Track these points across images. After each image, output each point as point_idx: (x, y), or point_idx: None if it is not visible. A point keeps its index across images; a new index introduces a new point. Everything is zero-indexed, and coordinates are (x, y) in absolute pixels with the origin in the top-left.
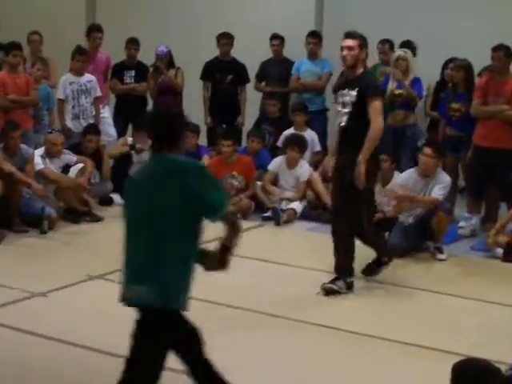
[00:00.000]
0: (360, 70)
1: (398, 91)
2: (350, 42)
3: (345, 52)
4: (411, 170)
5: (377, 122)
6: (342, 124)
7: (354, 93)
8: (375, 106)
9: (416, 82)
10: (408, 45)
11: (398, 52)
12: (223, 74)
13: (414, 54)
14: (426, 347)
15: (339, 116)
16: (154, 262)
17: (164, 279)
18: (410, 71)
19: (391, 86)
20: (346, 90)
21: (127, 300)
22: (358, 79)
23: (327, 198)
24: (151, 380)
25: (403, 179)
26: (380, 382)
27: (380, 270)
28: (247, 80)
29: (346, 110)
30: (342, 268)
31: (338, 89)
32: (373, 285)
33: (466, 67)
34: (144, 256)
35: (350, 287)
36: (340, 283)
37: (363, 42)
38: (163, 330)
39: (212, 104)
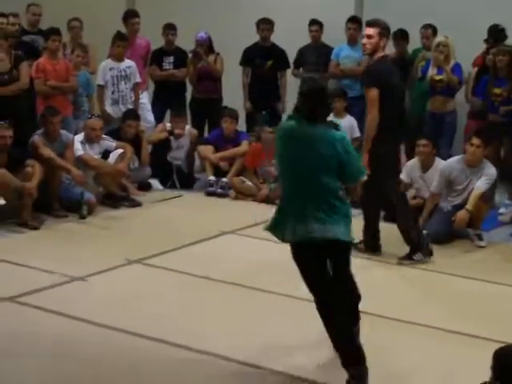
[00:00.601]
0: (377, 58)
1: (438, 77)
2: (369, 31)
3: (364, 40)
4: (455, 159)
5: (370, 114)
6: None
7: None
8: (369, 96)
9: (456, 67)
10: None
11: (440, 38)
12: (263, 60)
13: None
14: (466, 334)
15: None
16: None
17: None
18: (451, 57)
19: (431, 71)
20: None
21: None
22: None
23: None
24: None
25: (446, 169)
26: (421, 368)
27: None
28: (287, 65)
29: None
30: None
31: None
32: (414, 271)
33: (511, 52)
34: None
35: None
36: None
37: (383, 31)
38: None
39: (251, 90)
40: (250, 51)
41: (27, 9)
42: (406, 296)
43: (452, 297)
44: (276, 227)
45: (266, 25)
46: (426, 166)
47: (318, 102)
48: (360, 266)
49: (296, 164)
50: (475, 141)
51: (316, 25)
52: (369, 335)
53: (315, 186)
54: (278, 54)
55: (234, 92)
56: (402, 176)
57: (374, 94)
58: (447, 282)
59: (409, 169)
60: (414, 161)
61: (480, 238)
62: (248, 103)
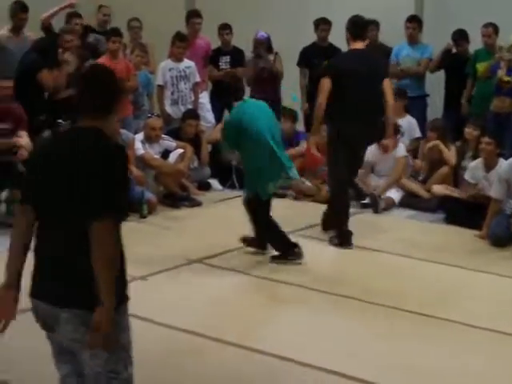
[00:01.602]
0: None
1: (506, 78)
2: None
3: None
4: None
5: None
6: None
7: None
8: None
9: None
10: None
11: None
12: (320, 60)
13: None
14: None
15: None
16: None
17: None
18: None
19: (501, 72)
20: None
21: None
22: None
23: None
24: None
25: (505, 171)
26: (471, 369)
27: None
28: None
29: None
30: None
31: None
32: (475, 274)
33: None
34: None
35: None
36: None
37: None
38: None
39: (309, 90)
40: (307, 51)
41: (98, 9)
42: (464, 298)
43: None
44: None
45: (324, 25)
46: (489, 166)
47: None
48: None
49: None
50: None
51: (372, 25)
52: (421, 336)
53: None
54: (335, 54)
55: (291, 91)
56: (466, 176)
57: (322, 81)
58: (508, 285)
59: (472, 169)
60: (478, 161)
61: None
62: (306, 104)
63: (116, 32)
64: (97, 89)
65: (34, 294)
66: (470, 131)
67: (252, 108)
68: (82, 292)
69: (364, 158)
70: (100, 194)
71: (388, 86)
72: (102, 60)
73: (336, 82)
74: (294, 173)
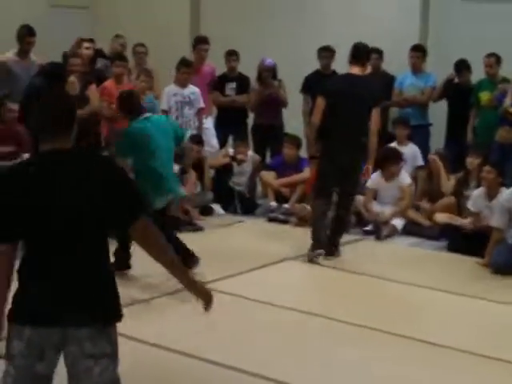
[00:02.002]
0: None
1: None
2: None
3: None
4: None
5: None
6: None
7: None
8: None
9: None
10: None
11: None
12: None
13: None
14: None
15: None
16: None
17: None
18: None
19: (507, 102)
20: None
21: None
22: None
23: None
24: None
25: (506, 201)
26: None
27: None
28: None
29: None
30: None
31: None
32: (478, 302)
33: None
34: None
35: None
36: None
37: None
38: None
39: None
40: (310, 79)
41: (115, 38)
42: (471, 328)
43: None
44: None
45: (326, 52)
46: (491, 195)
47: None
48: None
49: None
50: None
51: (376, 53)
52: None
53: None
54: None
55: (294, 118)
56: (469, 205)
57: (317, 101)
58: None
59: (475, 198)
60: (480, 190)
61: None
62: (308, 130)
63: (120, 57)
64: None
65: (34, 320)
66: (471, 160)
67: (154, 125)
68: (106, 306)
69: (358, 182)
70: (132, 196)
71: (375, 113)
72: (107, 84)
73: (326, 102)
74: (180, 191)
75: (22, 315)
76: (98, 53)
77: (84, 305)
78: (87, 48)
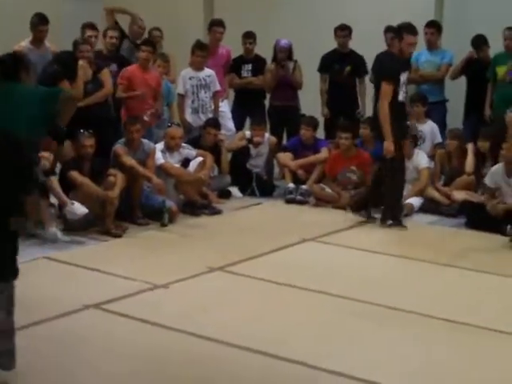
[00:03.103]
0: None
1: None
2: (417, 39)
3: (413, 48)
4: None
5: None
6: (403, 100)
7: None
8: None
9: None
10: None
11: None
12: (342, 66)
13: None
14: None
15: (401, 94)
16: None
17: None
18: None
19: None
20: (407, 72)
21: None
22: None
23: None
24: None
25: None
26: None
27: None
28: (366, 71)
29: (404, 89)
30: None
31: (399, 71)
32: (500, 279)
33: None
34: None
35: None
36: None
37: None
38: None
39: (330, 96)
40: (328, 57)
41: (133, 21)
42: (491, 304)
43: None
44: None
45: (343, 31)
46: (510, 171)
47: None
48: None
49: None
50: None
51: (390, 31)
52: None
53: None
54: (357, 60)
55: (311, 99)
56: (486, 181)
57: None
58: None
59: (493, 174)
60: (499, 165)
61: None
62: (326, 109)
63: (148, 42)
64: None
65: None
66: (481, 144)
67: None
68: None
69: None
70: None
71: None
72: (131, 68)
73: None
74: None
75: None
76: (124, 36)
77: None
78: (90, 36)
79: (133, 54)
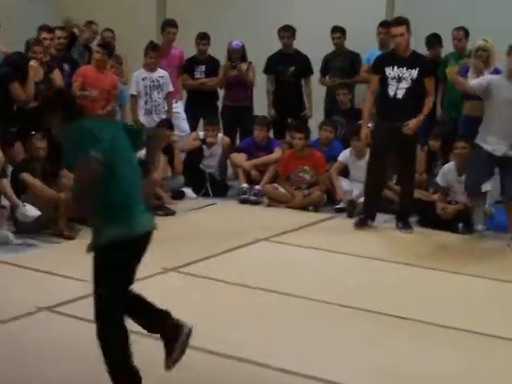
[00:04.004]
0: (410, 50)
1: None
2: (400, 30)
3: (399, 39)
4: None
5: (433, 96)
6: (400, 96)
7: (415, 71)
8: (432, 84)
9: (495, 73)
10: None
11: (479, 42)
12: (286, 66)
13: None
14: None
15: (392, 89)
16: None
17: None
18: (491, 62)
19: (471, 76)
20: (405, 68)
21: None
22: (414, 59)
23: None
24: None
25: None
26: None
27: None
28: (310, 71)
29: (405, 85)
30: None
31: (384, 65)
32: (447, 275)
33: None
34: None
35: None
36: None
37: (408, 26)
38: None
39: (276, 97)
40: (272, 59)
41: (86, 24)
42: (445, 302)
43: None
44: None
45: (286, 32)
46: (462, 169)
47: None
48: None
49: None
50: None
51: (338, 32)
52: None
53: None
54: (301, 61)
55: (263, 100)
56: (438, 180)
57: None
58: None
59: (445, 172)
60: (450, 164)
61: None
62: (272, 110)
63: (103, 44)
64: None
65: None
66: (432, 144)
67: None
68: None
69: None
70: None
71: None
72: (86, 67)
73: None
74: None
75: None
76: (74, 38)
77: None
78: (45, 38)
79: (83, 57)
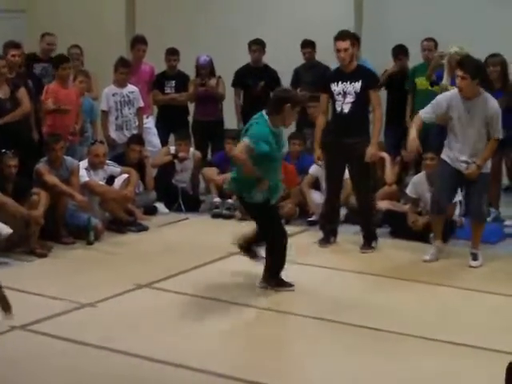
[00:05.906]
0: (355, 64)
1: (451, 87)
2: (344, 44)
3: (342, 54)
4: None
5: (381, 109)
6: (346, 111)
7: (358, 84)
8: (377, 96)
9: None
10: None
11: (455, 48)
12: (255, 81)
13: None
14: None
15: (338, 105)
16: None
17: None
18: None
19: (445, 81)
20: (348, 82)
21: None
22: (357, 72)
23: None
24: None
25: None
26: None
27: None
28: (279, 86)
29: (350, 100)
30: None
31: (329, 81)
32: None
33: (503, 63)
34: None
35: None
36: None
37: (355, 40)
38: None
39: (245, 110)
40: (241, 72)
41: (41, 38)
42: (426, 312)
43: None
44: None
45: (256, 46)
46: (432, 180)
47: None
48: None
49: None
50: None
51: (308, 47)
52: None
53: None
54: (270, 75)
55: (234, 113)
56: (408, 191)
57: (379, 94)
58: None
59: (415, 183)
60: (421, 175)
61: (475, 257)
62: (241, 124)
63: (65, 59)
64: None
65: None
66: (405, 154)
67: None
68: None
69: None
70: None
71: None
72: (52, 85)
73: None
74: None
75: None
76: (33, 57)
77: None
78: (13, 56)
79: (47, 74)
